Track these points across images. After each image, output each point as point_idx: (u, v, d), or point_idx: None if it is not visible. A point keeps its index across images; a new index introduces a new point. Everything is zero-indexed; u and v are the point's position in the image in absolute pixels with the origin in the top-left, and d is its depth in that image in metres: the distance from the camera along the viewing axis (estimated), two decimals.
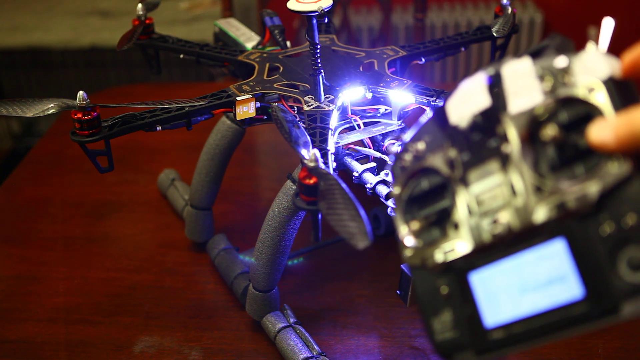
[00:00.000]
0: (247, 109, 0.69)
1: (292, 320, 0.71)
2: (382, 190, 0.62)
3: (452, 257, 0.41)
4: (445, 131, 0.43)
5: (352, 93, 0.70)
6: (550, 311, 0.37)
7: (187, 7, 2.17)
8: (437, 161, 0.42)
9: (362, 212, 0.49)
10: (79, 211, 0.96)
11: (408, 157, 0.44)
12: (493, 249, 0.39)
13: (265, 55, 0.78)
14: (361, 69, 0.75)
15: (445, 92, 0.68)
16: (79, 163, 1.05)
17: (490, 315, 0.39)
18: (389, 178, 0.63)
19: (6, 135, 2.20)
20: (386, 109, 0.70)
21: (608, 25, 0.38)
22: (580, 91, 0.37)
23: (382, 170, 0.65)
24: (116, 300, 0.79)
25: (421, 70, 1.53)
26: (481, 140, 0.41)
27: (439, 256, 0.41)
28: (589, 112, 0.36)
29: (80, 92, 0.60)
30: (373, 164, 0.65)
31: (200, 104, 0.66)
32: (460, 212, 0.41)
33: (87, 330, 0.75)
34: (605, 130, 0.35)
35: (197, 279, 0.83)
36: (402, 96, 0.69)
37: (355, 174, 0.65)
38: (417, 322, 0.74)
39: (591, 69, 0.37)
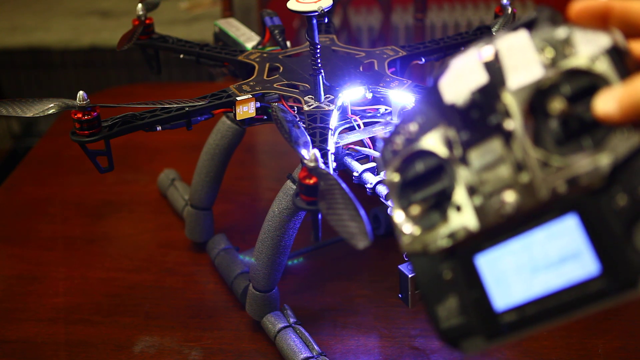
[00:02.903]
0: (247, 109, 0.69)
1: (292, 320, 0.71)
2: (382, 190, 0.62)
3: (456, 240, 0.39)
4: (439, 111, 0.40)
5: (352, 93, 0.70)
6: (565, 289, 0.36)
7: (187, 7, 2.17)
8: (432, 142, 0.40)
9: (362, 212, 0.49)
10: (79, 211, 0.96)
11: (399, 140, 0.42)
12: (500, 229, 0.38)
13: (265, 55, 0.78)
14: (361, 69, 0.75)
15: None
16: (79, 163, 1.05)
17: (501, 298, 0.38)
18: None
19: (6, 135, 2.20)
20: (386, 109, 0.70)
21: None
22: (583, 62, 0.35)
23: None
24: (116, 300, 0.79)
25: (421, 70, 1.53)
26: (480, 117, 0.39)
27: (442, 241, 0.40)
28: (594, 84, 0.35)
29: (80, 92, 0.60)
30: (373, 164, 0.65)
31: (200, 104, 0.66)
32: (462, 193, 0.39)
33: (87, 330, 0.75)
34: (609, 101, 0.34)
35: (197, 279, 0.83)
36: (402, 96, 0.69)
37: (355, 174, 0.65)
38: (417, 322, 0.74)
39: (592, 39, 0.35)
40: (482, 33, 0.82)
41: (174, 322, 0.76)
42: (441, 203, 0.40)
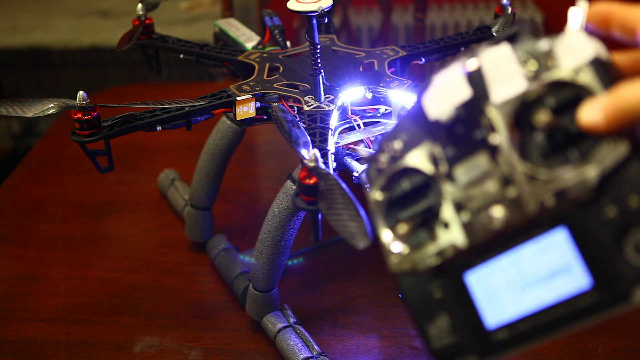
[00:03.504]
0: (247, 109, 0.69)
1: (292, 320, 0.71)
2: None
3: (444, 258, 0.39)
4: (424, 127, 0.40)
5: (352, 93, 0.70)
6: (557, 305, 0.35)
7: (187, 7, 2.17)
8: (418, 159, 0.40)
9: (362, 212, 0.49)
10: (79, 211, 0.96)
11: (384, 158, 0.42)
12: (488, 245, 0.37)
13: (265, 55, 0.78)
14: (361, 69, 0.75)
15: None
16: (79, 163, 1.05)
17: (492, 315, 0.37)
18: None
19: (6, 135, 2.20)
20: (386, 109, 0.70)
21: (582, 7, 0.37)
22: (567, 74, 0.35)
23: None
24: (116, 300, 0.79)
25: (421, 70, 1.53)
26: (465, 133, 0.38)
27: (430, 259, 0.39)
28: (578, 95, 0.35)
29: (80, 92, 0.60)
30: None
31: (200, 104, 0.66)
32: (450, 209, 0.38)
33: (87, 330, 0.75)
34: (594, 111, 0.34)
35: (197, 279, 0.83)
36: (402, 96, 0.69)
37: (355, 174, 0.65)
38: None
39: (575, 50, 0.35)
40: (482, 33, 0.82)
41: (174, 322, 0.76)
42: (428, 220, 0.40)
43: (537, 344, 0.36)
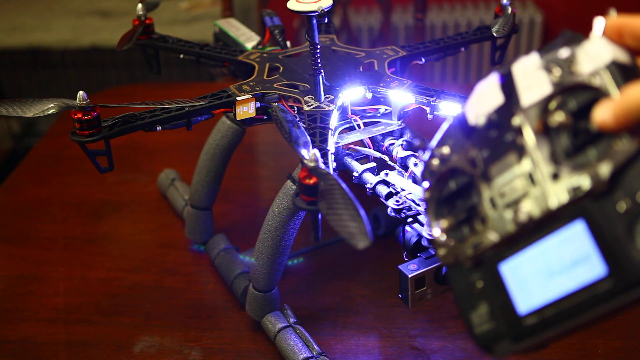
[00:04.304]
0: (247, 109, 0.69)
1: (292, 320, 0.71)
2: (382, 190, 0.62)
3: (481, 250, 0.42)
4: (465, 132, 0.45)
5: (352, 93, 0.70)
6: (577, 291, 0.38)
7: (187, 7, 2.17)
8: (461, 161, 0.44)
9: (362, 212, 0.49)
10: (79, 211, 0.96)
11: (435, 162, 0.46)
12: (518, 238, 0.41)
13: (265, 55, 0.78)
14: (361, 69, 0.75)
15: (445, 92, 0.68)
16: (79, 163, 1.05)
17: (523, 302, 0.41)
18: (389, 178, 0.63)
19: (6, 135, 2.20)
20: (386, 109, 0.70)
21: (601, 22, 0.40)
22: (585, 78, 0.38)
23: (382, 170, 0.65)
24: (116, 300, 0.79)
25: (421, 70, 1.53)
26: (498, 136, 0.42)
27: (470, 251, 0.43)
28: (597, 97, 0.38)
29: (80, 92, 0.60)
30: (373, 164, 0.65)
31: (200, 104, 0.66)
32: (486, 206, 0.42)
33: (87, 330, 0.75)
34: (605, 111, 0.36)
35: (197, 279, 0.83)
36: (402, 96, 0.69)
37: (355, 174, 0.65)
38: (417, 322, 0.74)
39: (594, 56, 0.38)
40: (482, 33, 0.82)
41: (174, 322, 0.76)
42: (471, 217, 0.43)
43: (562, 328, 0.39)
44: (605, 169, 0.36)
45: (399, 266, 0.61)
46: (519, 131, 0.41)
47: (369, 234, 0.47)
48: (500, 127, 0.42)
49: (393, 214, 0.61)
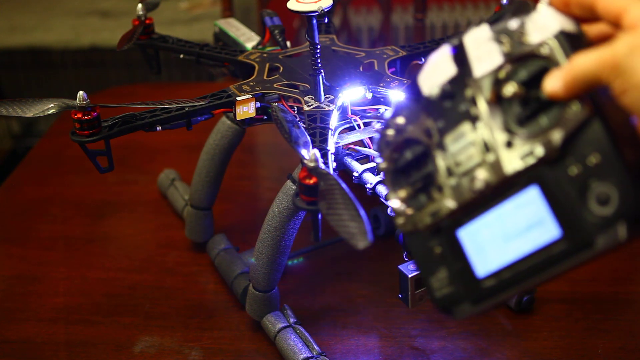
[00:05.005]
0: (247, 109, 0.69)
1: (292, 320, 0.71)
2: (382, 190, 0.62)
3: (439, 217, 0.44)
4: (419, 103, 0.45)
5: (352, 93, 0.70)
6: (533, 253, 0.40)
7: (187, 7, 2.17)
8: (416, 132, 0.45)
9: (362, 212, 0.49)
10: (79, 211, 0.96)
11: (391, 132, 0.47)
12: (475, 204, 0.42)
13: (265, 55, 0.78)
14: (361, 69, 0.75)
15: None
16: (79, 163, 1.05)
17: (481, 266, 0.42)
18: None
19: (6, 135, 2.20)
20: (386, 109, 0.70)
21: None
22: (534, 48, 0.39)
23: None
24: (116, 300, 0.79)
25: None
26: (452, 106, 0.43)
27: (428, 219, 0.44)
28: (546, 67, 0.39)
29: (80, 92, 0.60)
30: (373, 164, 0.65)
31: (200, 104, 0.66)
32: (442, 175, 0.43)
33: (87, 330, 0.75)
34: (554, 79, 0.38)
35: (197, 279, 0.83)
36: (402, 96, 0.69)
37: (355, 174, 0.65)
38: (417, 322, 0.74)
39: (542, 26, 0.39)
40: None
41: (174, 322, 0.76)
42: (427, 185, 0.44)
43: (520, 289, 0.41)
44: (557, 136, 0.38)
45: (399, 266, 0.61)
46: (472, 101, 0.42)
47: (369, 234, 0.47)
48: (454, 98, 0.43)
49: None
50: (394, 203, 0.46)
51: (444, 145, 0.43)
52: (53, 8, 2.22)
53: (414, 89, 0.46)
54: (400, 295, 0.62)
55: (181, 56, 0.82)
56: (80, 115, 0.61)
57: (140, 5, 0.81)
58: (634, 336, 0.71)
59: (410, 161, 0.45)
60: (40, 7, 2.23)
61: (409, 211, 0.45)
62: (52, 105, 0.60)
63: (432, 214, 0.44)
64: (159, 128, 0.65)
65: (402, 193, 0.46)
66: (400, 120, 0.46)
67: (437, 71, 0.44)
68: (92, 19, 2.15)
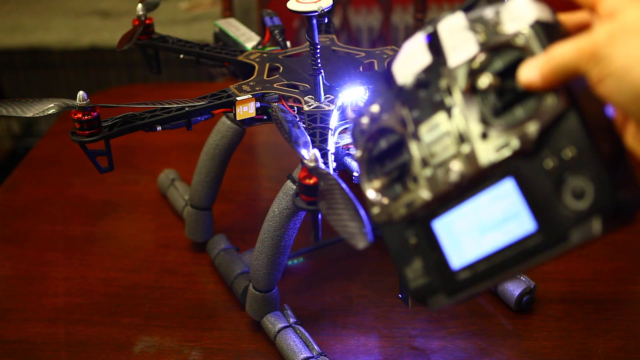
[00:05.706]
0: (247, 109, 0.69)
1: (292, 320, 0.71)
2: None
3: (414, 208, 0.43)
4: (394, 92, 0.45)
5: (352, 93, 0.70)
6: (508, 246, 0.39)
7: (187, 7, 2.17)
8: (391, 121, 0.44)
9: (362, 212, 0.49)
10: (79, 211, 0.96)
11: (365, 120, 0.46)
12: (450, 196, 0.42)
13: (265, 55, 0.78)
14: (361, 69, 0.75)
15: None
16: (79, 163, 1.05)
17: (456, 257, 0.42)
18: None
19: (6, 135, 2.20)
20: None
21: None
22: (510, 38, 0.38)
23: None
24: (116, 300, 0.79)
25: None
26: (427, 96, 0.43)
27: (403, 209, 0.44)
28: (521, 57, 0.38)
29: (80, 92, 0.60)
30: None
31: (200, 104, 0.66)
32: (417, 165, 0.43)
33: (87, 330, 0.75)
34: (531, 70, 0.37)
35: (197, 279, 0.83)
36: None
37: (355, 174, 0.65)
38: (417, 322, 0.74)
39: (518, 15, 0.38)
40: None
41: (174, 322, 0.76)
42: (402, 175, 0.44)
43: (494, 282, 0.41)
44: (532, 128, 0.37)
45: None
46: (447, 92, 0.41)
47: (369, 234, 0.47)
48: (429, 88, 0.42)
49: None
50: (369, 193, 0.45)
51: (418, 135, 0.43)
52: (53, 8, 2.22)
53: (387, 78, 0.45)
54: (400, 295, 0.62)
55: (181, 56, 0.82)
56: (80, 115, 0.61)
57: (140, 5, 0.81)
58: (634, 336, 0.71)
59: (385, 150, 0.45)
60: (40, 7, 2.23)
61: (385, 201, 0.45)
62: (52, 105, 0.60)
63: (407, 204, 0.43)
64: (159, 128, 0.65)
65: (377, 183, 0.45)
66: (375, 108, 0.46)
67: (411, 60, 0.44)
68: (92, 19, 2.15)
